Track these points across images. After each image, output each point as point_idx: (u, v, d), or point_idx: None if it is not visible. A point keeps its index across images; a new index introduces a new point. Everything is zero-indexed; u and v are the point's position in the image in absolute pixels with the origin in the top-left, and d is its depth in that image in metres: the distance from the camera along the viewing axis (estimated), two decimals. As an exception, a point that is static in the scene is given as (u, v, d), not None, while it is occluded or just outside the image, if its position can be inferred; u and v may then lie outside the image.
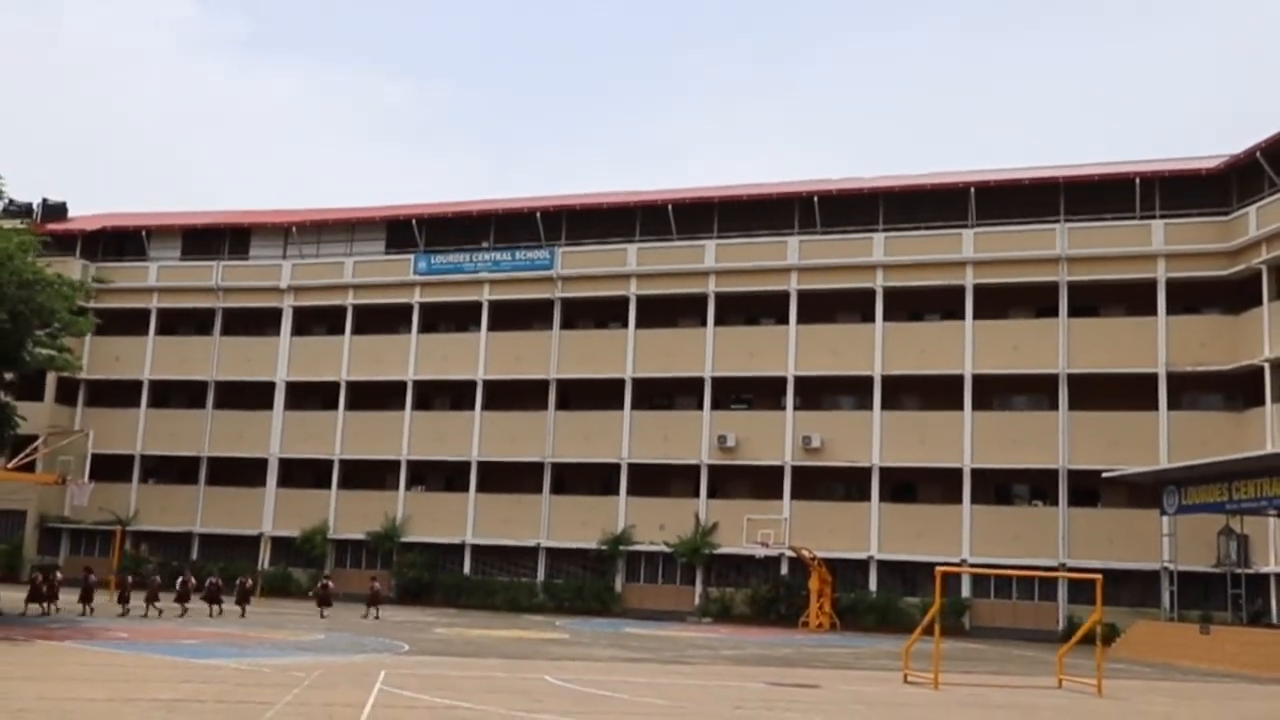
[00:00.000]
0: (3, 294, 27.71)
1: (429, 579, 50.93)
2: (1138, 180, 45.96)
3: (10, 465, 32.74)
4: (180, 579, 37.86)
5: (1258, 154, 42.47)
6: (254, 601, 40.35)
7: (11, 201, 41.57)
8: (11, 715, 13.53)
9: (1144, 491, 42.83)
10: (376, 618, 38.02)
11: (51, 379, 53.54)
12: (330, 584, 41.56)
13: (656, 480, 50.45)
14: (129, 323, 56.75)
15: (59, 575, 35.20)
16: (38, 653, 22.16)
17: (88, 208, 70.64)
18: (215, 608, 36.33)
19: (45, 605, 33.01)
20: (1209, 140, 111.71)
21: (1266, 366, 41.67)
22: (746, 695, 19.38)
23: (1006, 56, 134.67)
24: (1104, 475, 41.87)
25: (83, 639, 25.41)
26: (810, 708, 17.95)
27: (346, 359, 54.96)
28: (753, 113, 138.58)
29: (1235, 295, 44.71)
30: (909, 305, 49.23)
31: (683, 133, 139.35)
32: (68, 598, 34.67)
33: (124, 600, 35.48)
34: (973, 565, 43.50)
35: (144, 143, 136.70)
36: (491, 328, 53.37)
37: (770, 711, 17.28)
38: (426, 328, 54.75)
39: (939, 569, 22.82)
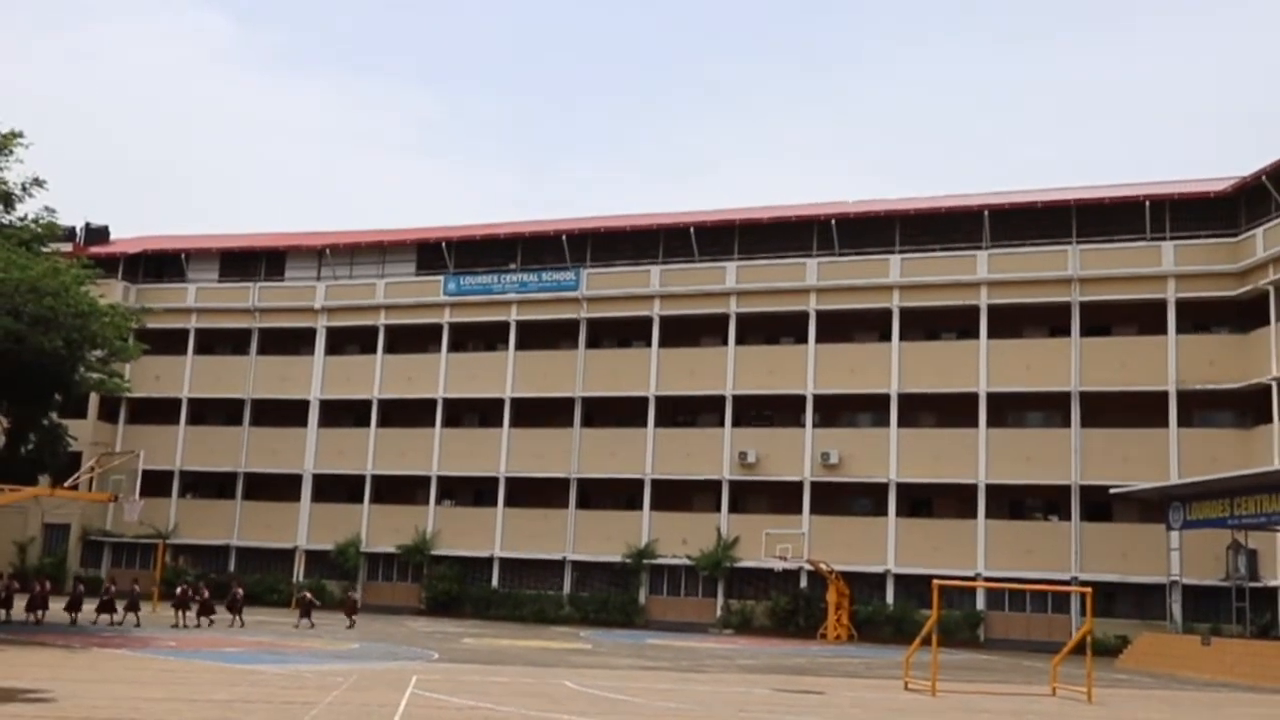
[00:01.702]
0: (59, 323, 29.60)
1: (458, 591, 52.46)
2: (1148, 202, 47.06)
3: (67, 484, 34.48)
4: (181, 589, 38.71)
5: (1263, 177, 43.51)
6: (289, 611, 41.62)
7: (50, 223, 43.46)
8: (87, 712, 15.12)
9: (1154, 507, 43.75)
10: (350, 626, 38.45)
11: (94, 397, 55.44)
12: (308, 595, 41.23)
13: (679, 495, 51.84)
14: (168, 342, 58.61)
15: (49, 585, 36.74)
16: (97, 660, 23.79)
17: (124, 224, 72.98)
18: (206, 619, 36.71)
19: (39, 614, 34.38)
20: (1235, 147, 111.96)
21: (1274, 385, 42.58)
22: (752, 700, 20.76)
23: (1034, 70, 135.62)
24: (1111, 491, 42.98)
25: (135, 647, 27.06)
26: (810, 711, 19.31)
27: (378, 377, 56.67)
28: (780, 123, 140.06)
29: (1244, 315, 45.71)
30: (925, 325, 50.48)
31: (711, 144, 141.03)
32: (55, 606, 35.89)
33: (107, 610, 35.37)
34: (986, 579, 44.75)
35: (176, 157, 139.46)
36: (519, 347, 54.95)
37: (772, 714, 18.63)
38: (456, 347, 56.39)
39: (936, 583, 24.14)
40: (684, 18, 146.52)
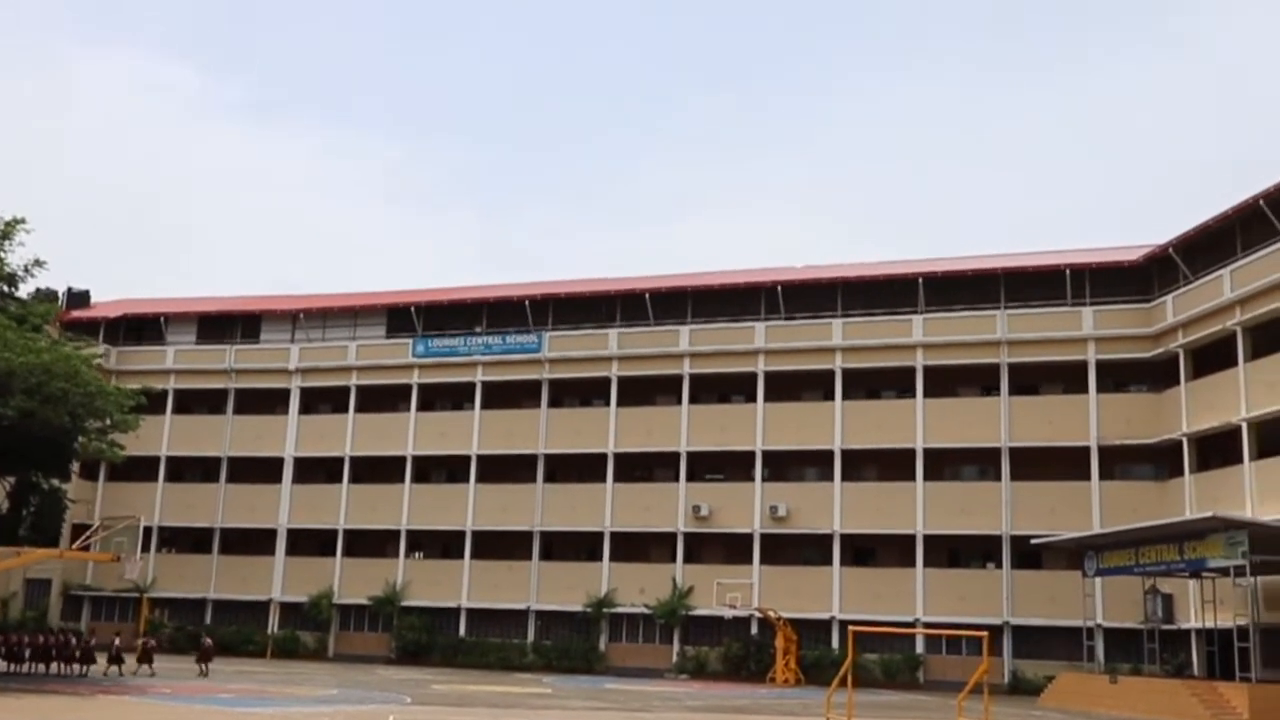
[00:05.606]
0: (69, 400, 32.38)
1: (427, 640, 55.01)
2: (1069, 271, 50.69)
3: (77, 546, 37.07)
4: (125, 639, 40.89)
5: (1170, 250, 47.24)
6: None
7: (37, 290, 46.28)
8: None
9: (1078, 555, 46.99)
10: (205, 675, 38.65)
11: (75, 456, 57.80)
12: (151, 641, 41.85)
13: (637, 547, 54.80)
14: (147, 402, 60.90)
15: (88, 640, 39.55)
16: (106, 706, 26.46)
17: (100, 281, 74.86)
18: (115, 667, 37.73)
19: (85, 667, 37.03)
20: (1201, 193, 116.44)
21: (1185, 440, 46.15)
22: (689, 734, 23.68)
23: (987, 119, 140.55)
24: (1033, 542, 46.25)
25: (136, 694, 29.70)
26: (737, 743, 22.27)
27: (350, 436, 59.39)
28: (742, 169, 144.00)
29: (1158, 375, 49.28)
30: (866, 385, 53.79)
31: (672, 191, 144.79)
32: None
33: (117, 662, 37.51)
34: (926, 624, 47.76)
35: (140, 212, 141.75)
36: (484, 406, 57.86)
37: (703, 745, 21.58)
38: (424, 406, 59.28)
39: (851, 629, 27.16)
40: (645, 60, 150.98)
